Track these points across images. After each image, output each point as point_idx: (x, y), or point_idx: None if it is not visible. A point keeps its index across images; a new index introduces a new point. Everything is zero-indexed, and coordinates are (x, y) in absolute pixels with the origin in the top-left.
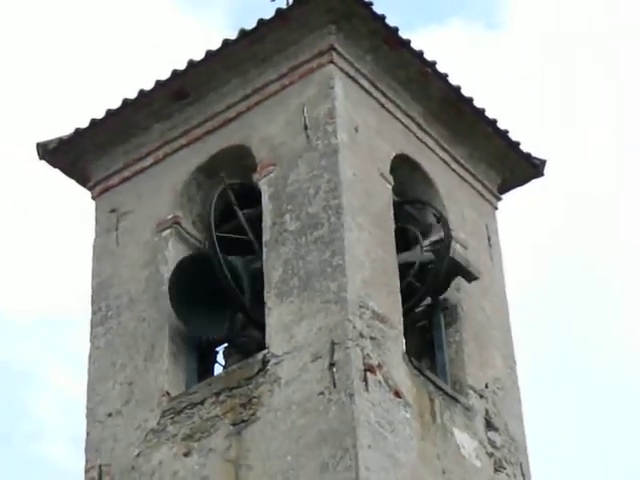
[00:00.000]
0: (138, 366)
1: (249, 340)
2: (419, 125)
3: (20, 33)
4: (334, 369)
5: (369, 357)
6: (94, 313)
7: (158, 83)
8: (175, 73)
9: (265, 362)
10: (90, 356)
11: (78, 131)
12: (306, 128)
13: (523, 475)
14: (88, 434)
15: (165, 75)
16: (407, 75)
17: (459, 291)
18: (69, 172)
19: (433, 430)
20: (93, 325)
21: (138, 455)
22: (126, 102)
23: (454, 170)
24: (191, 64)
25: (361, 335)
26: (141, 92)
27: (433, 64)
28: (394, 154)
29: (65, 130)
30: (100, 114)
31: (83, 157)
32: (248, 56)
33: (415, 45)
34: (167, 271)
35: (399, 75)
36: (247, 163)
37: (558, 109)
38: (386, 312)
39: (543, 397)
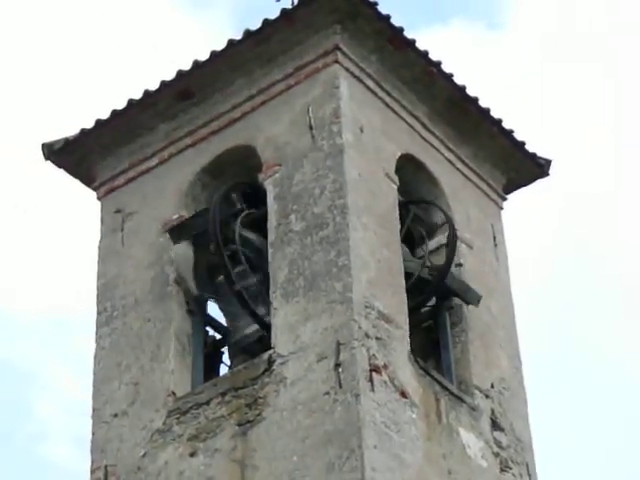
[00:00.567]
0: (144, 366)
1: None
2: (424, 125)
3: (25, 34)
4: (340, 369)
5: (375, 357)
6: (99, 313)
7: (163, 83)
8: (180, 73)
9: (271, 362)
10: (95, 356)
11: (83, 131)
12: (311, 128)
13: (529, 475)
14: (94, 434)
15: (170, 75)
16: (412, 75)
17: None
18: (74, 172)
19: (439, 430)
20: (98, 325)
21: (144, 455)
22: (131, 102)
23: (459, 170)
24: (196, 64)
25: (367, 335)
26: (146, 92)
27: (438, 64)
28: (399, 154)
29: (70, 130)
30: (105, 114)
31: (88, 157)
32: (253, 56)
33: (419, 45)
34: (172, 271)
35: (404, 75)
36: (252, 163)
37: (558, 109)
38: (392, 312)
39: (547, 397)
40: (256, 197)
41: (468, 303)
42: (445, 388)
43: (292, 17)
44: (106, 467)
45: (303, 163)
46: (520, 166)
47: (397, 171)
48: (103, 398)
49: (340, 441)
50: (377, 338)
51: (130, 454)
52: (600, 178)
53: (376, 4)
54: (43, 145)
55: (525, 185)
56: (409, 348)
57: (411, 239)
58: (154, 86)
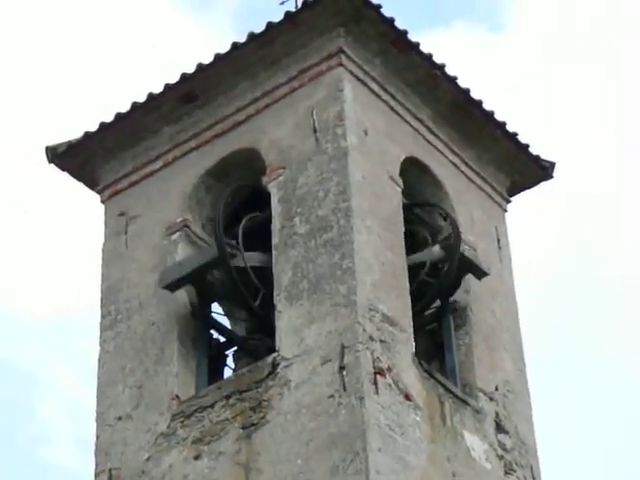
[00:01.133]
0: (148, 370)
1: (259, 343)
2: (428, 128)
3: (29, 38)
4: (344, 372)
5: (379, 360)
6: (103, 317)
7: (167, 86)
8: (184, 76)
9: (275, 365)
10: (100, 360)
11: (87, 134)
12: (315, 131)
13: (533, 477)
14: (98, 438)
15: (174, 78)
16: (416, 78)
17: (468, 293)
18: (78, 175)
19: (443, 433)
20: (102, 329)
21: (148, 459)
22: (135, 105)
23: (463, 172)
24: (200, 67)
25: (371, 338)
26: (150, 95)
27: (442, 67)
28: (403, 157)
29: (74, 133)
30: (109, 117)
31: (92, 160)
32: (257, 59)
33: (423, 48)
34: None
35: (408, 78)
36: (256, 166)
37: (560, 110)
38: (396, 315)
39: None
40: (260, 200)
41: (480, 277)
42: (449, 391)
43: (296, 20)
44: (110, 470)
45: (307, 166)
46: (524, 169)
47: (401, 174)
48: (107, 401)
49: (344, 444)
50: (381, 341)
51: (134, 457)
52: (603, 180)
53: (380, 7)
54: (47, 148)
55: (529, 188)
56: (413, 351)
57: (415, 242)
58: (158, 89)
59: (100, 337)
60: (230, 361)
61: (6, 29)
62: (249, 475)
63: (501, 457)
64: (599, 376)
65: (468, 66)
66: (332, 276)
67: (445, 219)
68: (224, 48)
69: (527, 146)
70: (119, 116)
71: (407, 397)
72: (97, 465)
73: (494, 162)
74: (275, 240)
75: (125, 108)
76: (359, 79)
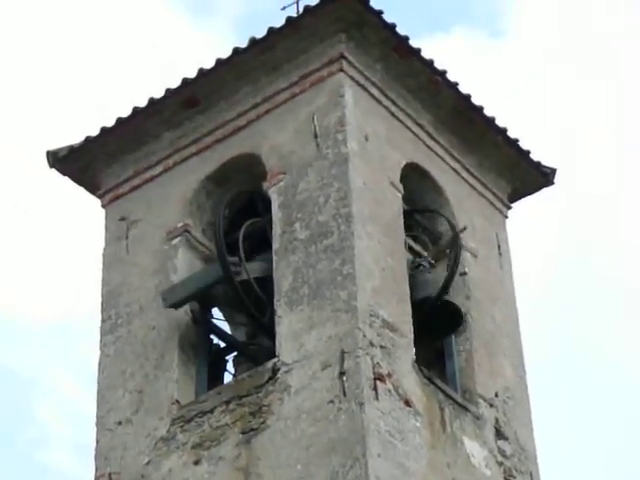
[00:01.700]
0: (148, 374)
1: (259, 348)
2: (429, 134)
3: (31, 41)
4: (344, 378)
5: (379, 366)
6: (104, 321)
7: (168, 91)
8: (185, 81)
9: (275, 370)
10: (100, 364)
11: (88, 139)
12: (316, 137)
13: None
14: (98, 442)
15: (175, 83)
16: (417, 84)
17: (469, 299)
18: (79, 180)
19: (443, 439)
20: (103, 333)
21: (148, 463)
22: (136, 110)
23: (464, 179)
24: (201, 72)
25: (371, 344)
26: (151, 100)
27: (443, 73)
28: (404, 163)
29: (75, 138)
30: (110, 122)
31: (93, 165)
32: (258, 64)
33: (424, 54)
34: (177, 279)
35: (409, 84)
36: (257, 171)
37: (561, 116)
38: (396, 321)
39: (552, 405)
40: (261, 205)
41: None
42: (449, 397)
43: (297, 25)
44: (110, 475)
45: (308, 171)
46: (525, 175)
47: (402, 180)
48: (107, 406)
49: (344, 449)
50: (381, 347)
51: (134, 462)
52: (603, 185)
53: (381, 12)
54: (48, 153)
55: (530, 194)
56: (413, 357)
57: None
58: (159, 94)
59: (100, 341)
60: (230, 366)
61: (7, 32)
62: None
63: (501, 463)
64: (600, 381)
65: (468, 72)
66: (332, 282)
67: (448, 230)
68: (225, 53)
69: (528, 152)
70: (120, 121)
71: (407, 403)
72: (97, 469)
73: (495, 168)
74: (276, 245)
75: (126, 113)
76: (360, 85)
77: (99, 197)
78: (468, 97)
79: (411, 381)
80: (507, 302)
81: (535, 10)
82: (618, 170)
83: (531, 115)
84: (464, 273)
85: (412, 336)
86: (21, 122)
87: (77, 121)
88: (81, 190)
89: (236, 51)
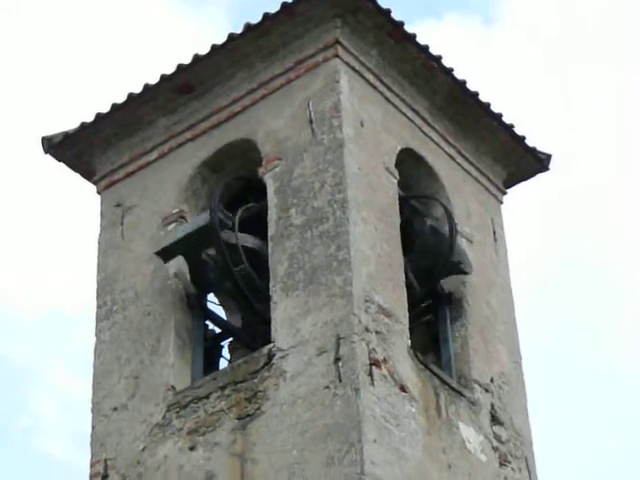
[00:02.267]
0: (143, 360)
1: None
2: (424, 119)
3: (25, 29)
4: (340, 363)
5: (375, 351)
6: (99, 307)
7: (163, 77)
8: (180, 67)
9: (271, 356)
10: (95, 350)
11: (83, 125)
12: (311, 122)
13: (528, 469)
14: (93, 428)
15: (170, 69)
16: (412, 69)
17: (464, 285)
18: (74, 166)
19: (438, 424)
20: (98, 319)
21: (143, 449)
22: (131, 96)
23: (459, 164)
24: (196, 58)
25: (367, 329)
26: (146, 86)
27: (438, 58)
28: (399, 148)
29: (70, 124)
30: (105, 108)
31: (88, 151)
32: (253, 50)
33: (419, 39)
34: (172, 265)
35: (404, 69)
36: (252, 157)
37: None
38: (391, 306)
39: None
40: (256, 191)
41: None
42: (445, 382)
43: (292, 11)
44: (106, 461)
45: (303, 157)
46: (520, 160)
47: (397, 165)
48: (103, 392)
49: (340, 435)
50: (377, 332)
51: (130, 448)
52: (599, 170)
53: None
54: (43, 139)
55: (525, 179)
56: (409, 342)
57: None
58: (154, 80)
59: (96, 327)
60: (226, 352)
61: (2, 21)
62: (244, 466)
63: (496, 449)
64: (596, 367)
65: (461, 58)
66: (328, 267)
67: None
68: (219, 40)
69: (523, 138)
70: (115, 107)
71: (402, 388)
72: (93, 455)
73: (490, 154)
74: (271, 231)
75: (121, 99)
76: (355, 70)
77: (94, 183)
78: (463, 83)
79: (406, 367)
80: (503, 288)
81: None
82: (615, 156)
83: (525, 102)
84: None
85: (407, 321)
86: (16, 108)
87: (72, 107)
88: (76, 176)
89: (231, 37)
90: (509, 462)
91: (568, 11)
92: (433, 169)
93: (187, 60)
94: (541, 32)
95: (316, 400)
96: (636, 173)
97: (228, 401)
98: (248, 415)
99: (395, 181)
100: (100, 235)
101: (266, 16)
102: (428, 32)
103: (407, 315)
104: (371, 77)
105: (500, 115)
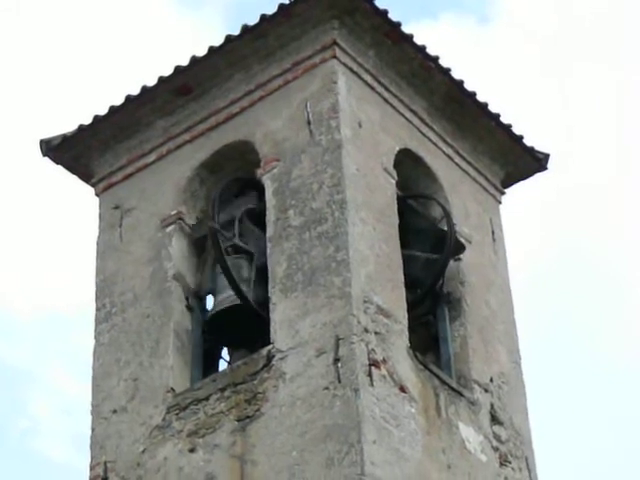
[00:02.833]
0: (143, 362)
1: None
2: (422, 120)
3: (23, 31)
4: (339, 364)
5: (374, 352)
6: (98, 310)
7: (161, 79)
8: (178, 69)
9: (270, 357)
10: (94, 352)
11: (81, 127)
12: (309, 123)
13: (529, 469)
14: (93, 431)
15: (168, 71)
16: (410, 69)
17: (463, 285)
18: (72, 169)
19: (438, 424)
20: (97, 322)
21: (143, 451)
22: (129, 98)
23: (458, 164)
24: (194, 60)
25: (366, 330)
26: (144, 88)
27: (436, 58)
28: (397, 149)
29: (68, 126)
30: (103, 110)
31: (86, 153)
32: (251, 52)
33: (417, 40)
34: (171, 267)
35: (402, 70)
36: (250, 158)
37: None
38: (391, 307)
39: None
40: (255, 192)
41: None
42: (444, 382)
43: (290, 12)
44: (105, 463)
45: (301, 158)
46: (518, 160)
47: (395, 166)
48: (102, 394)
49: (339, 436)
50: (376, 333)
51: (129, 450)
52: (597, 170)
53: None
54: (41, 141)
55: (524, 179)
56: (408, 343)
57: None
58: (152, 82)
59: (95, 330)
60: (225, 354)
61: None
62: (244, 467)
63: (496, 449)
64: (595, 366)
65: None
66: (327, 268)
67: (442, 216)
68: (218, 41)
69: (521, 137)
70: (113, 109)
71: (402, 389)
72: (92, 458)
73: (488, 154)
74: (269, 232)
75: (119, 101)
76: (353, 71)
77: (92, 185)
78: (461, 83)
79: (406, 367)
80: (502, 288)
81: None
82: (614, 155)
83: (523, 102)
84: (458, 259)
85: (406, 322)
86: (14, 111)
87: (70, 109)
88: (74, 179)
89: (228, 38)
90: (509, 462)
91: (565, 9)
92: (431, 169)
93: (185, 62)
94: (538, 30)
95: (315, 401)
96: (635, 172)
97: (228, 403)
98: (248, 417)
99: (393, 181)
100: (98, 237)
101: (263, 18)
102: (424, 32)
103: (406, 315)
104: (369, 78)
105: (498, 115)
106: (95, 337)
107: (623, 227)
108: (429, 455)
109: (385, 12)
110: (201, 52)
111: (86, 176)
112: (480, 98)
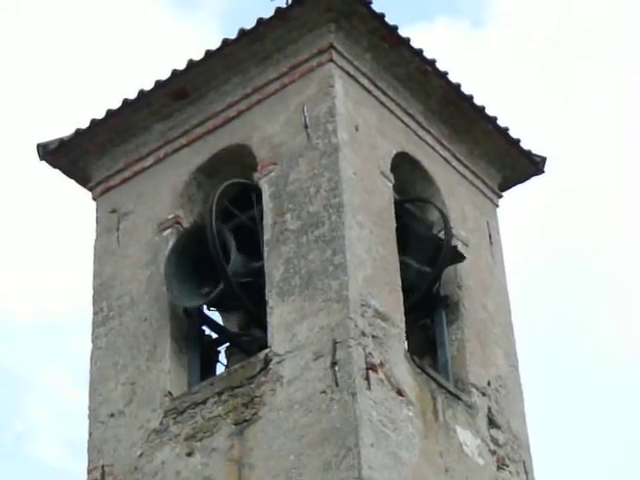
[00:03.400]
0: (140, 366)
1: (251, 339)
2: (419, 123)
3: (20, 34)
4: (336, 368)
5: (371, 356)
6: (95, 313)
7: (158, 83)
8: (175, 73)
9: (267, 361)
10: (92, 356)
11: (78, 131)
12: (306, 127)
13: (526, 472)
14: (90, 435)
15: (165, 75)
16: (407, 73)
17: (460, 288)
18: (69, 173)
19: (435, 428)
20: (94, 325)
21: (141, 455)
22: (126, 102)
23: (455, 168)
24: (191, 64)
25: (363, 334)
26: (141, 92)
27: (433, 62)
28: (395, 152)
29: (65, 130)
30: (100, 114)
31: (83, 157)
32: (248, 55)
33: (413, 43)
34: None
35: (399, 73)
36: (248, 162)
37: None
38: (388, 310)
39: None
40: (252, 196)
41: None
42: (442, 386)
43: (286, 16)
44: (103, 467)
45: (298, 162)
46: (515, 163)
47: (392, 169)
48: (100, 398)
49: (337, 439)
50: (373, 336)
51: (127, 454)
52: (594, 173)
53: (370, 2)
54: (38, 145)
55: (521, 182)
56: (405, 346)
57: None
58: (149, 86)
59: (92, 334)
60: (222, 357)
61: None
62: (242, 471)
63: (494, 452)
64: (592, 370)
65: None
66: (324, 272)
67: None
68: (214, 45)
69: (518, 141)
70: (110, 113)
71: (399, 392)
72: (90, 462)
73: (485, 157)
74: (267, 236)
75: (116, 105)
76: (350, 75)
77: (90, 189)
78: (458, 86)
79: (403, 371)
80: (499, 291)
81: (516, 0)
82: (613, 156)
83: (519, 105)
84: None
85: (404, 325)
86: (11, 115)
87: (67, 114)
88: (71, 183)
89: (225, 42)
90: (506, 465)
91: (562, 11)
92: (428, 173)
93: (182, 66)
94: (534, 32)
95: (313, 405)
96: (635, 174)
97: (225, 406)
98: (245, 420)
99: (390, 185)
100: (96, 241)
101: (260, 21)
102: (420, 35)
103: (403, 319)
104: (366, 81)
105: (495, 118)
106: (92, 341)
107: (622, 229)
108: (426, 459)
109: (382, 16)
110: (198, 56)
111: (83, 180)
112: (477, 101)
